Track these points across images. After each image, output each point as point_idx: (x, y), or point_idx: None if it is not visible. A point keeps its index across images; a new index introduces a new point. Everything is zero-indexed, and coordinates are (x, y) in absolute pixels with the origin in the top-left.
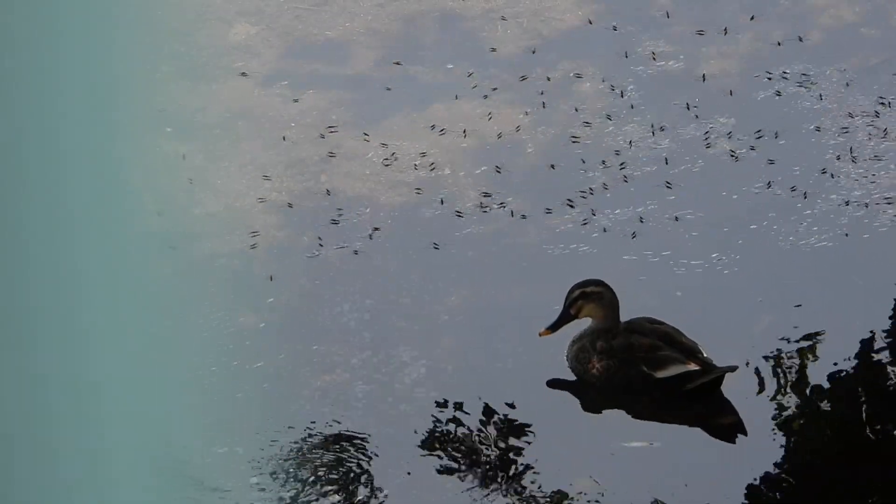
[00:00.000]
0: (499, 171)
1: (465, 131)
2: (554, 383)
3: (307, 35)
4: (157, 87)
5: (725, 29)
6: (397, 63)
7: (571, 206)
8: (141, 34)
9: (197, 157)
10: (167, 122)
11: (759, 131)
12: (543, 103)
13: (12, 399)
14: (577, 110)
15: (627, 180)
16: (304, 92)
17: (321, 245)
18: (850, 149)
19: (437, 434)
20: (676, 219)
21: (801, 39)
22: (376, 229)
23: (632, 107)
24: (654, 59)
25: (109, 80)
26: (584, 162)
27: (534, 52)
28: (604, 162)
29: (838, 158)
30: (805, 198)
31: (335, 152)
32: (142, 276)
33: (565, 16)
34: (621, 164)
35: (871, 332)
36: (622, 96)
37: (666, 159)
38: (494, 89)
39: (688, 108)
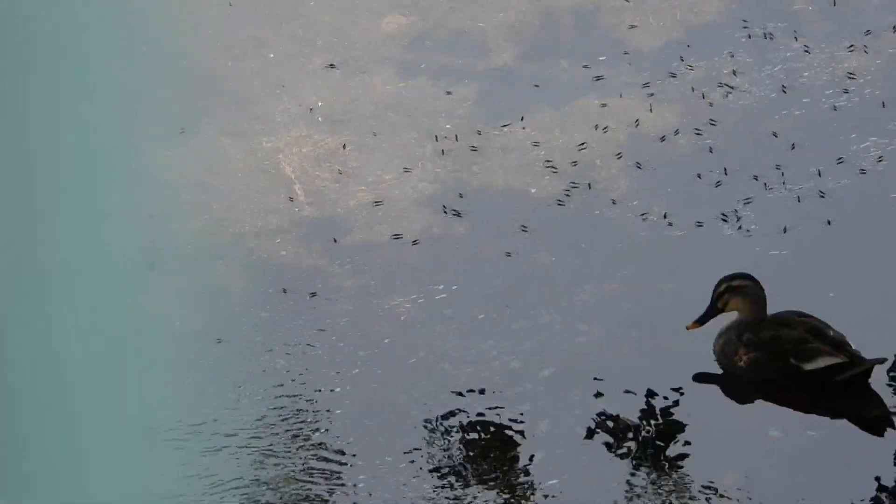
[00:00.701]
0: (638, 168)
1: (605, 128)
2: (701, 377)
3: (460, 28)
4: (309, 80)
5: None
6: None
7: (725, 220)
8: (294, 27)
9: (349, 148)
10: (320, 114)
11: None
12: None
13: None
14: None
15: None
16: (457, 84)
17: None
18: None
19: (594, 428)
20: (829, 222)
21: None
22: (523, 228)
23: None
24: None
25: (261, 71)
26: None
27: (682, 59)
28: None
29: None
30: None
31: (481, 145)
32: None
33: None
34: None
35: None
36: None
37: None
38: (648, 90)
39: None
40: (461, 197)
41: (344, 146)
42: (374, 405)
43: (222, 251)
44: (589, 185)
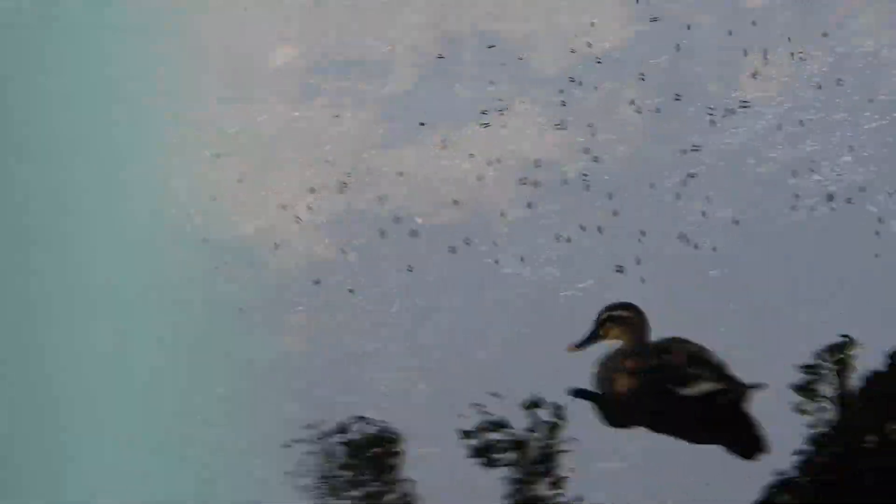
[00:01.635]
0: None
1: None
2: (581, 393)
3: (347, 55)
4: (200, 110)
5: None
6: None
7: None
8: (186, 59)
9: (240, 176)
10: (210, 143)
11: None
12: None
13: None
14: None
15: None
16: (346, 110)
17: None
18: None
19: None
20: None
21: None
22: (409, 268)
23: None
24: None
25: (154, 104)
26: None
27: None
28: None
29: None
30: None
31: (373, 170)
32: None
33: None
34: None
35: None
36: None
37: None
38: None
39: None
40: (357, 223)
41: (238, 179)
42: None
43: None
44: (484, 214)
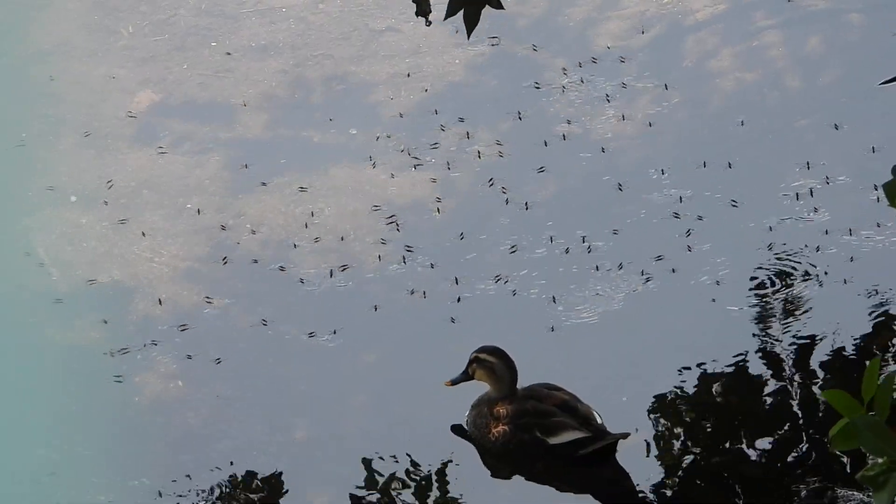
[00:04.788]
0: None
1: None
2: (454, 443)
3: (210, 101)
4: (61, 159)
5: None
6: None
7: (498, 282)
8: (45, 105)
9: (102, 225)
10: (72, 191)
11: None
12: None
13: None
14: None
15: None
16: (207, 158)
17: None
18: None
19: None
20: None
21: None
22: (266, 322)
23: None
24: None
25: (14, 151)
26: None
27: (436, 112)
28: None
29: None
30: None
31: (238, 217)
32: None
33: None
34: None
35: (764, 389)
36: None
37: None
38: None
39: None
40: (223, 263)
41: (104, 223)
42: None
43: None
44: (349, 264)
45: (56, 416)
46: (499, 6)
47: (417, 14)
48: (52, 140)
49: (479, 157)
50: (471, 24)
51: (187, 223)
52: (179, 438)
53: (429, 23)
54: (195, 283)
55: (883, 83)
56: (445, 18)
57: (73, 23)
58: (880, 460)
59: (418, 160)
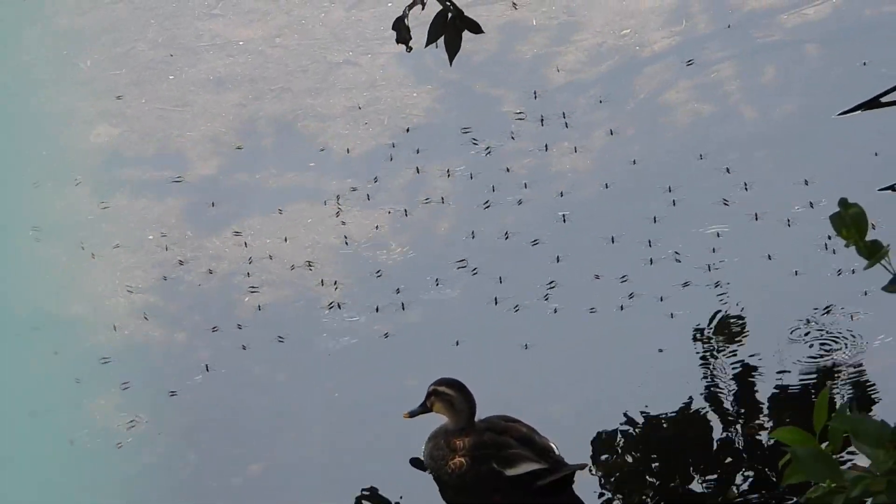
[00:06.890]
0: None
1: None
2: (412, 475)
3: (168, 136)
4: (16, 195)
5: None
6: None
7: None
8: (2, 139)
9: (62, 260)
10: (32, 224)
11: None
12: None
13: None
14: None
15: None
16: (166, 194)
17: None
18: None
19: None
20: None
21: None
22: (243, 347)
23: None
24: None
25: None
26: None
27: (393, 146)
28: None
29: None
30: None
31: (194, 255)
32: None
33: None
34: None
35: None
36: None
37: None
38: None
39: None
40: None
41: (64, 260)
42: None
43: None
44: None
45: None
46: (478, 31)
47: (398, 41)
48: (6, 174)
49: (433, 191)
50: (452, 50)
51: (146, 257)
52: (134, 476)
53: (409, 49)
54: (159, 317)
55: (840, 114)
56: (426, 45)
57: (33, 54)
58: (823, 484)
59: (371, 196)
